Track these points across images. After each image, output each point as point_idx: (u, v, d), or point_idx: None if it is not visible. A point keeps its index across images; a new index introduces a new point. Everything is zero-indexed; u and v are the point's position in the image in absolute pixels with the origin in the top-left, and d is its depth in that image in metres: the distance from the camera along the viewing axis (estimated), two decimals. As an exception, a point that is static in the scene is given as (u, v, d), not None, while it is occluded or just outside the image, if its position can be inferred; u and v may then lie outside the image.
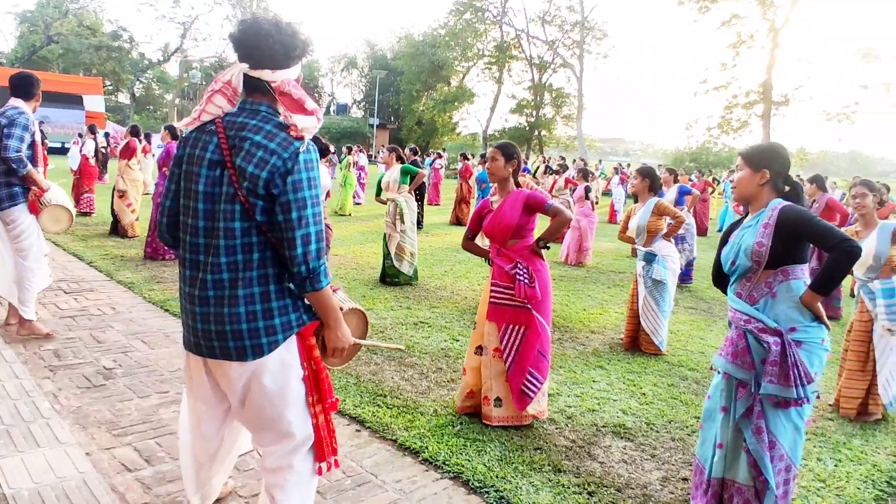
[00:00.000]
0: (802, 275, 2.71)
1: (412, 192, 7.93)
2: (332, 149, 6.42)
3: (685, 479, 3.34)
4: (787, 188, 2.80)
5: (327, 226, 6.13)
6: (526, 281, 3.75)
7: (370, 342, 2.51)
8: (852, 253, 2.51)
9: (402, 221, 7.59)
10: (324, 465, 2.27)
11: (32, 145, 4.60)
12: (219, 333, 2.05)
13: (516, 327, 3.82)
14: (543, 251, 3.91)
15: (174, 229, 2.20)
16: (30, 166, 4.53)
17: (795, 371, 2.55)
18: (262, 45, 2.02)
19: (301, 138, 2.00)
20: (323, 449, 2.24)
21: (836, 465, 3.65)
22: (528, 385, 3.80)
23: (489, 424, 3.83)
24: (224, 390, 2.21)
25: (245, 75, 2.07)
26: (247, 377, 2.11)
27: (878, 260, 4.36)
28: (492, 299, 3.89)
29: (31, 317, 4.83)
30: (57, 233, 5.00)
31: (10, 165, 4.42)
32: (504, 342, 3.82)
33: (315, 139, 6.11)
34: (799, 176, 14.45)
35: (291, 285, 2.10)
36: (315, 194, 2.00)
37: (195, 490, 2.52)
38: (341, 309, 2.43)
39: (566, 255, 10.30)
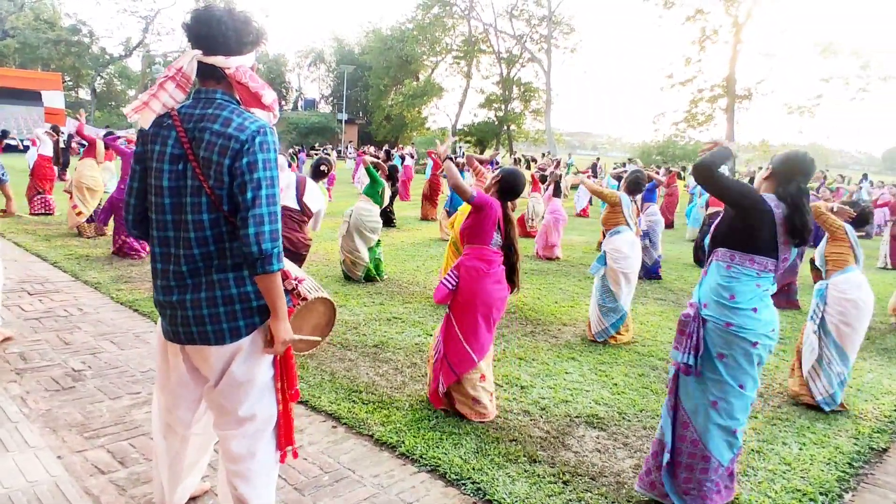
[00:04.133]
0: (731, 260, 2.83)
1: (387, 179, 7.97)
2: (330, 160, 5.82)
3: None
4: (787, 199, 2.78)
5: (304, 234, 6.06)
6: (448, 285, 3.80)
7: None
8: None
9: (363, 228, 7.51)
10: (280, 454, 2.30)
11: None
12: (196, 318, 2.08)
13: (444, 325, 3.96)
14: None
15: (141, 224, 2.24)
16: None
17: (689, 341, 2.81)
18: (213, 31, 2.01)
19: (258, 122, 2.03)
20: (284, 437, 2.28)
21: (800, 449, 3.77)
22: (441, 379, 3.89)
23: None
24: (205, 374, 2.23)
25: (200, 63, 2.06)
26: (226, 360, 2.14)
27: (822, 259, 4.58)
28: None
29: None
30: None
31: None
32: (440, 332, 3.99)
33: (321, 161, 5.69)
34: (761, 167, 14.72)
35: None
36: (271, 176, 2.00)
37: (168, 491, 2.52)
38: (305, 299, 2.40)
39: (537, 251, 10.39)
